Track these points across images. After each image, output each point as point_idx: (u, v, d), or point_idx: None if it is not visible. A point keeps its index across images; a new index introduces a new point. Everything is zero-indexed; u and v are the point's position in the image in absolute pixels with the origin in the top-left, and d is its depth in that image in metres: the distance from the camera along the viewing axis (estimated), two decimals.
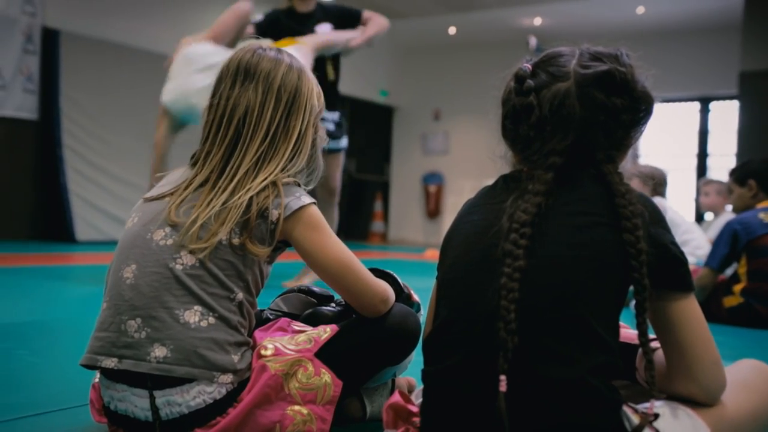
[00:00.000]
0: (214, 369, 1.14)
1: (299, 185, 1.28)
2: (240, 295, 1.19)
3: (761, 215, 3.29)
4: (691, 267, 3.69)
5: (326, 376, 1.21)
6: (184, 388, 1.14)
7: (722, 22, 8.51)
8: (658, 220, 1.01)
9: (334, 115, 4.00)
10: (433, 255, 7.10)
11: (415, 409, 1.07)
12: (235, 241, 1.18)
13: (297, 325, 1.31)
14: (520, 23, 9.36)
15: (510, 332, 0.91)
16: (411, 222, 11.12)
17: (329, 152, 4.08)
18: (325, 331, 1.27)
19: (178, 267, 1.16)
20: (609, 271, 0.96)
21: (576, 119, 1.01)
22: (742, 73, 7.03)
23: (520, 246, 0.95)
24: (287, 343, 1.24)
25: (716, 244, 3.29)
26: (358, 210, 10.67)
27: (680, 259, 1.01)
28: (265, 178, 1.21)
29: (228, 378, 1.16)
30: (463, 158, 10.50)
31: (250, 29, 3.66)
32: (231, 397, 1.17)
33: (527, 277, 0.94)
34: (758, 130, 6.83)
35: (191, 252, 1.16)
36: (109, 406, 1.20)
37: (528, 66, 1.06)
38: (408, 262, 6.60)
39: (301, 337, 1.26)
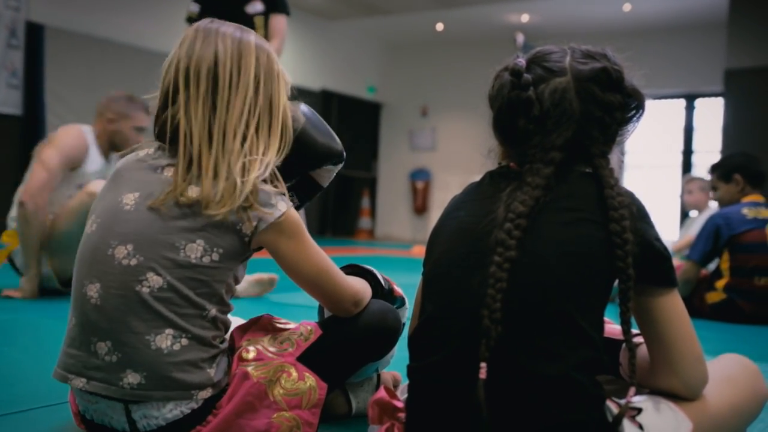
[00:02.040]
0: (191, 389, 1.12)
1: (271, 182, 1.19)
2: (213, 311, 1.14)
3: (745, 210, 3.30)
4: (675, 263, 3.67)
5: (310, 380, 1.19)
6: (160, 403, 1.12)
7: (708, 19, 8.57)
8: (643, 215, 1.02)
9: None
10: (420, 251, 7.11)
11: (400, 404, 1.07)
12: (209, 258, 1.12)
13: (279, 323, 1.30)
14: (507, 20, 9.38)
15: (494, 321, 0.92)
16: (398, 218, 11.13)
17: None
18: (308, 331, 1.26)
19: (145, 290, 1.09)
20: (594, 267, 0.97)
21: (575, 114, 1.02)
22: (728, 71, 7.08)
23: (513, 236, 0.95)
24: (269, 345, 1.23)
25: (699, 237, 3.31)
26: (346, 206, 10.66)
27: (664, 255, 1.02)
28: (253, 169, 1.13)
29: (207, 393, 1.14)
30: (451, 154, 10.51)
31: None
32: (209, 405, 1.15)
33: (515, 269, 0.94)
34: (743, 127, 6.89)
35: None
36: (86, 415, 1.18)
37: (522, 61, 1.06)
38: (395, 259, 6.60)
39: (283, 338, 1.25)
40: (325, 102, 10.13)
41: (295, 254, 1.19)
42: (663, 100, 9.29)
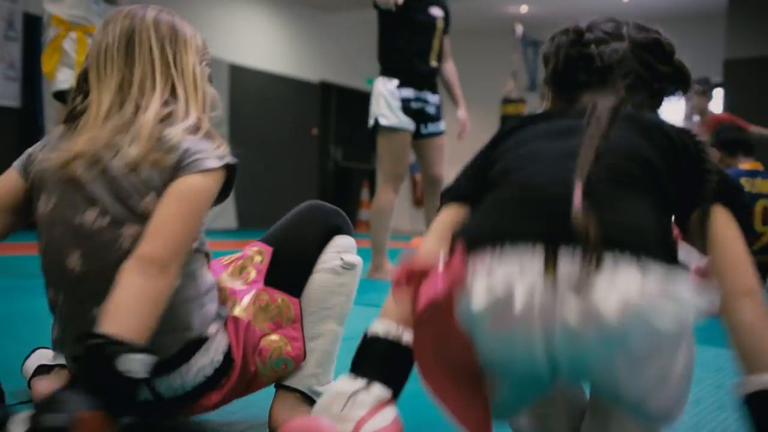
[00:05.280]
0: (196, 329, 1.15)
1: None
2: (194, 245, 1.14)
3: (743, 180, 3.08)
4: None
5: (281, 299, 1.24)
6: (183, 371, 1.15)
7: (707, 9, 8.56)
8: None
9: (436, 98, 4.27)
10: (419, 243, 7.10)
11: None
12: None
13: (227, 259, 1.32)
14: (506, 11, 9.35)
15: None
16: (398, 210, 11.07)
17: (429, 136, 4.11)
18: (257, 251, 1.28)
19: (125, 245, 1.09)
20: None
21: (633, 75, 1.07)
22: (727, 61, 7.08)
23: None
24: (233, 280, 1.25)
25: None
26: (345, 198, 10.66)
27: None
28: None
29: (214, 329, 1.17)
30: (450, 146, 10.49)
31: None
32: (227, 362, 1.19)
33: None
34: (742, 117, 6.89)
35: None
36: None
37: (582, 23, 1.13)
38: (395, 250, 6.59)
39: (239, 267, 1.27)
40: (324, 94, 10.11)
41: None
42: None
